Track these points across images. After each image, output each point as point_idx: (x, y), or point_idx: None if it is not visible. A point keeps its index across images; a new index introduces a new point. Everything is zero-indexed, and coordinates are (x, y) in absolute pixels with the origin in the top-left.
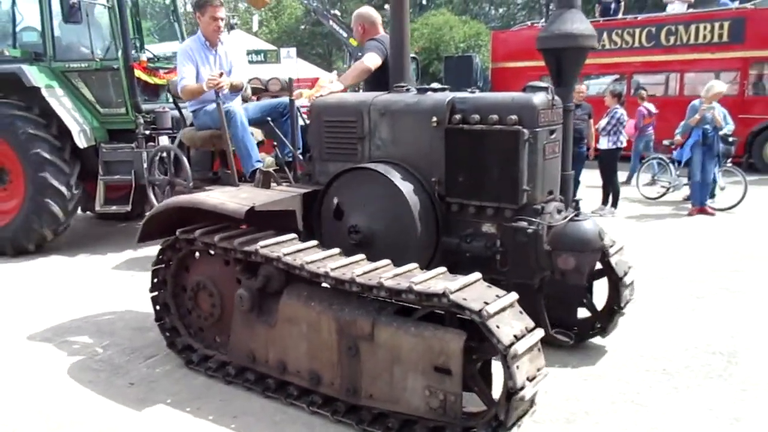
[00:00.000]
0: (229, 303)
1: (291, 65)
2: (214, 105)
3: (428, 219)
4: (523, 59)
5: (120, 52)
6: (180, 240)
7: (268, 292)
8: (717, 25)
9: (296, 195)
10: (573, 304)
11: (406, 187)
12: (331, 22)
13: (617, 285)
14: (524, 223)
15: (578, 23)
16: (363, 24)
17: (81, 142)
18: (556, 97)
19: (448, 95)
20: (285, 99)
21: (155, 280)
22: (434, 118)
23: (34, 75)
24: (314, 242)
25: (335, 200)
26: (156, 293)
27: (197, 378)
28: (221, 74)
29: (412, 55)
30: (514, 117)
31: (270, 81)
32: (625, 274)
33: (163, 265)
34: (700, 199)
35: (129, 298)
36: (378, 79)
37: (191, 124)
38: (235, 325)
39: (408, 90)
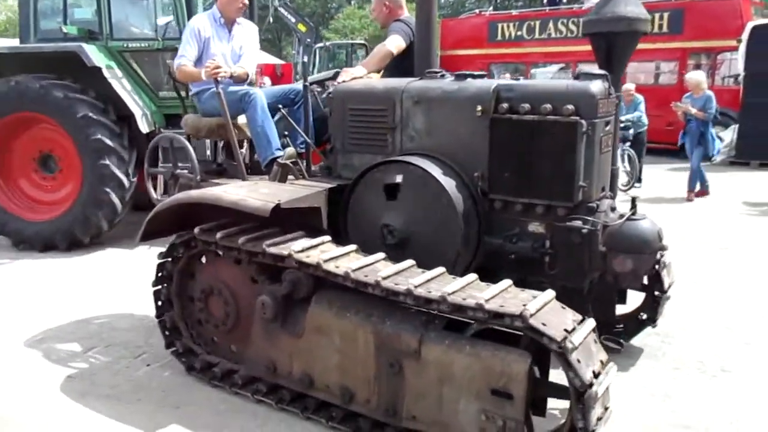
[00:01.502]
0: (246, 308)
1: None
2: (226, 87)
3: (470, 217)
4: (471, 47)
5: None
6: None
7: (295, 299)
8: (657, 16)
9: (321, 191)
10: (611, 302)
11: (448, 183)
12: (279, 8)
13: (656, 269)
14: (579, 223)
15: (632, 6)
16: (387, 3)
17: (143, 127)
18: (611, 86)
19: (492, 82)
20: (298, 85)
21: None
22: (479, 107)
23: (94, 55)
24: (354, 246)
25: (399, 178)
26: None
27: (139, 370)
28: (218, 66)
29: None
30: (570, 107)
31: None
32: (662, 255)
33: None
34: (693, 185)
35: (70, 290)
36: (399, 65)
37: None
38: (254, 333)
39: (443, 76)
